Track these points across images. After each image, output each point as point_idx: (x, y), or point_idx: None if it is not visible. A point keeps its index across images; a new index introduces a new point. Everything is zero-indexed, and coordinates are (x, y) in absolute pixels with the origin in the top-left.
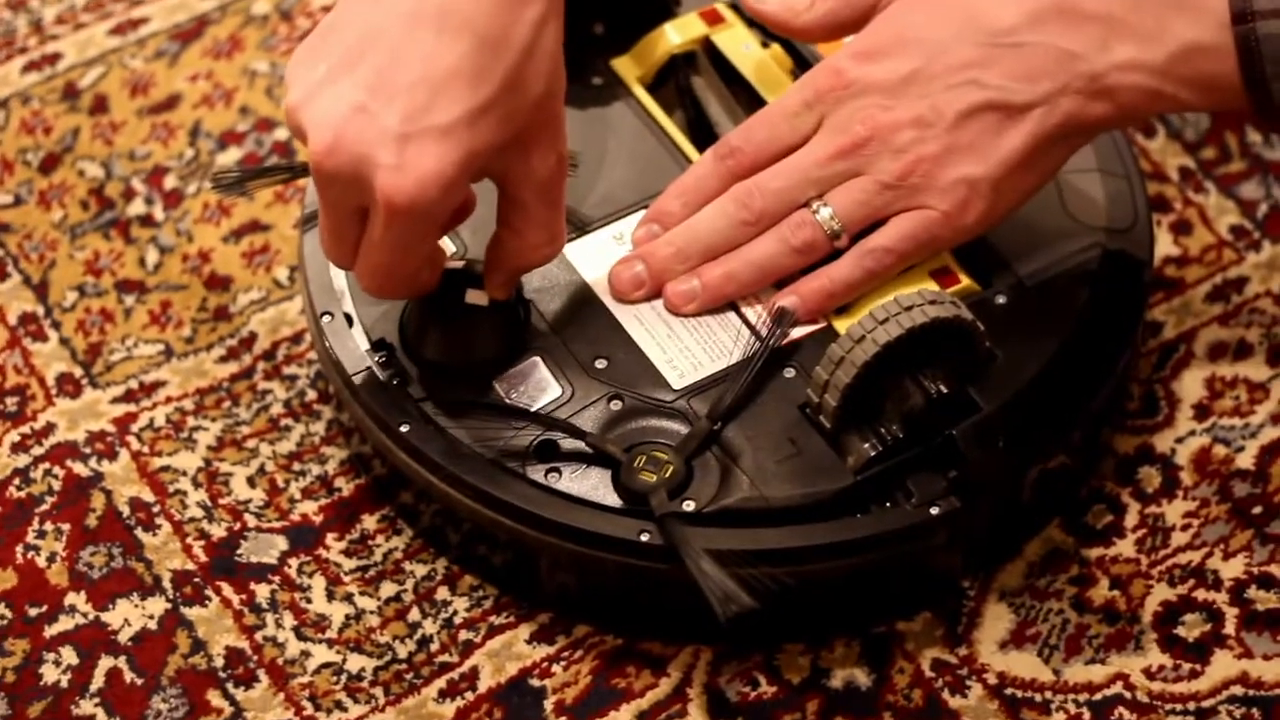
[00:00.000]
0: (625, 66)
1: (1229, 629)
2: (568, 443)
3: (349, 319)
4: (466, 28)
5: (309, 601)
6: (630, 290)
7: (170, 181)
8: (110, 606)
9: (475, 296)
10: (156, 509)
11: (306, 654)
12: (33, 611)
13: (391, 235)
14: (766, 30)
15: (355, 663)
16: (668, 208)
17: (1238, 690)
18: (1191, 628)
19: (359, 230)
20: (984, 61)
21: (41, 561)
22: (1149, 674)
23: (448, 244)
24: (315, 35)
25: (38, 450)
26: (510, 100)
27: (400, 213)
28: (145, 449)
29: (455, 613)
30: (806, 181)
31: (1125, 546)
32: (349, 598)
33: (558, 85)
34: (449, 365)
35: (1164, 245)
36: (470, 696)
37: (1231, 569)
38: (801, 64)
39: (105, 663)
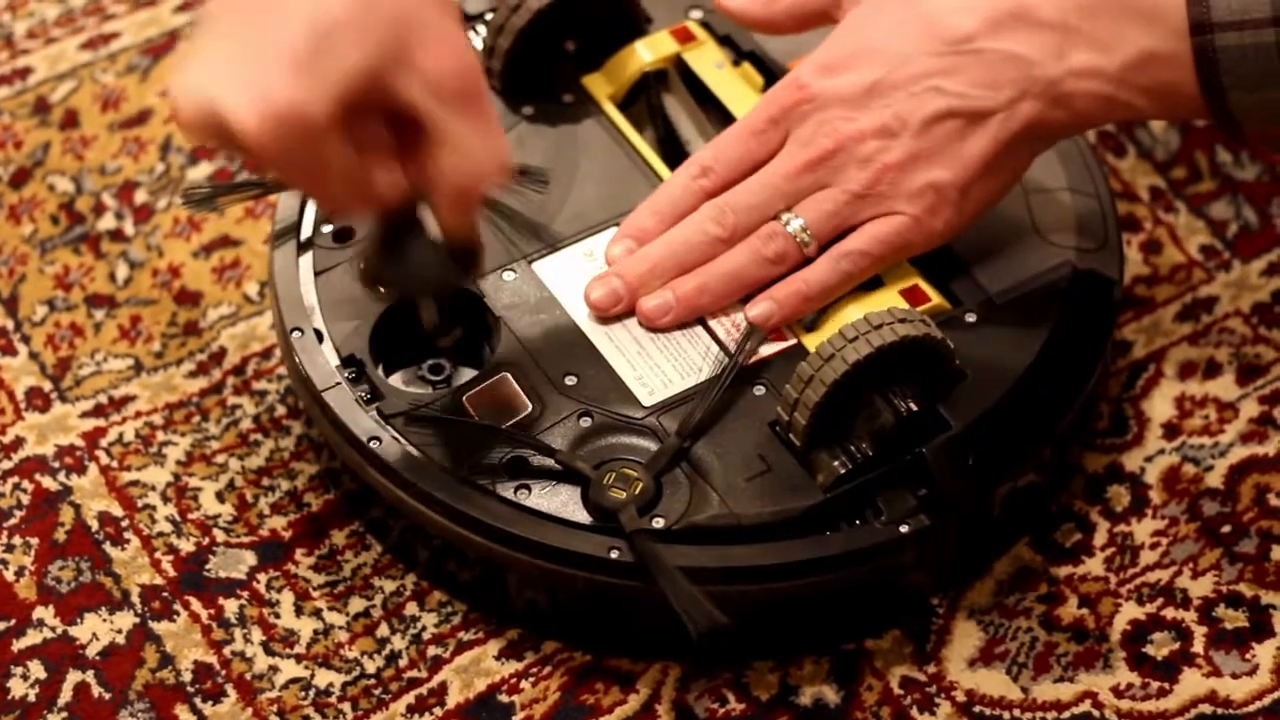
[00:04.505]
0: (596, 84)
1: (1197, 647)
2: (537, 459)
3: (319, 335)
4: None
5: (277, 617)
6: (607, 306)
7: (141, 196)
8: (78, 621)
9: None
10: (125, 523)
11: (275, 669)
12: (0, 625)
13: (277, 165)
14: (737, 48)
15: (323, 678)
16: (642, 224)
17: (1206, 709)
18: (1160, 646)
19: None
20: (945, 70)
21: (9, 575)
22: (1117, 692)
23: None
24: None
25: (6, 464)
26: (364, 17)
27: (259, 147)
28: (114, 463)
29: (424, 628)
30: (777, 195)
31: (1094, 565)
32: (317, 613)
33: None
34: (410, 294)
35: (1134, 264)
36: (439, 712)
37: (1200, 587)
38: (772, 81)
39: (73, 677)
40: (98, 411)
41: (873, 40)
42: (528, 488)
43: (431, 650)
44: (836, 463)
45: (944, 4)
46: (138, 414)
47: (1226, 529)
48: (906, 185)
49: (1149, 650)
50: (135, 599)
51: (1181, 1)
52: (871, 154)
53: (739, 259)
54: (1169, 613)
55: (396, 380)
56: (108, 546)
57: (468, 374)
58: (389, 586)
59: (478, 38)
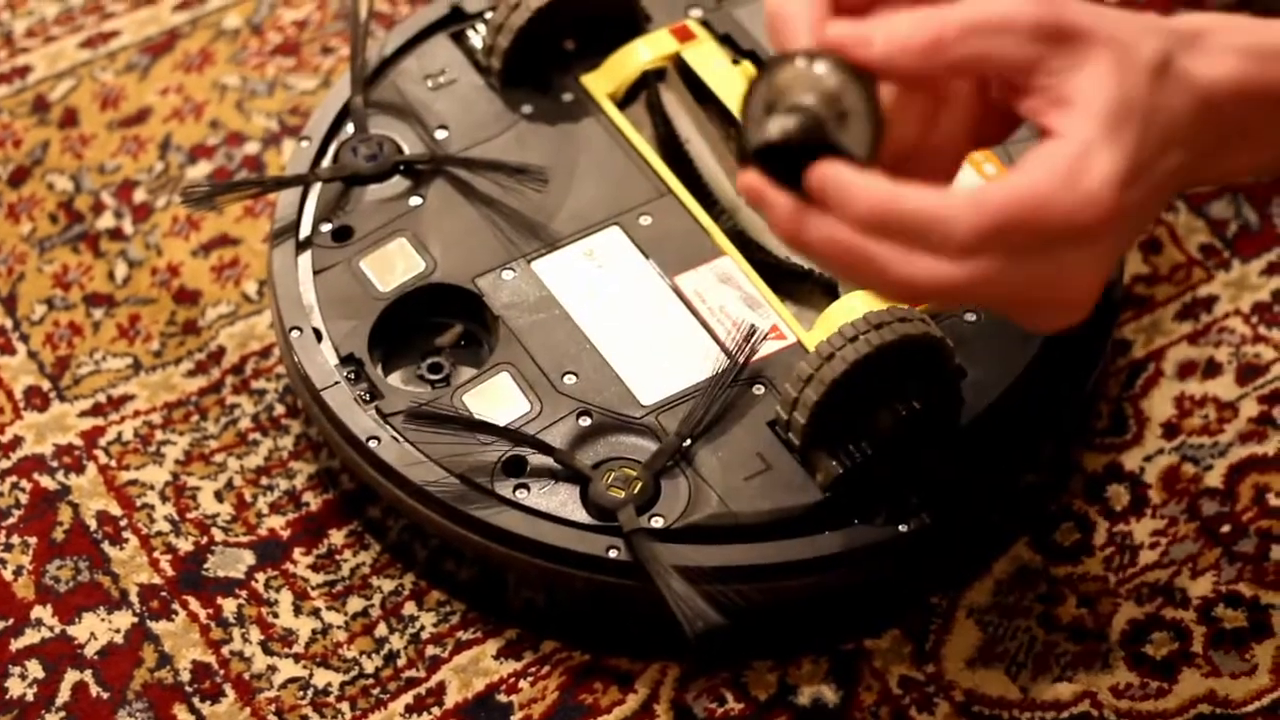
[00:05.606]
0: (596, 83)
1: (1196, 647)
2: (536, 458)
3: (318, 334)
4: None
5: (276, 616)
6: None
7: (140, 195)
8: (76, 620)
9: None
10: (124, 523)
11: (273, 669)
12: None
13: None
14: (737, 47)
15: (322, 677)
16: None
17: (1205, 709)
18: (1159, 646)
19: None
20: None
21: (8, 575)
22: (1116, 692)
23: (418, 260)
24: None
25: (4, 463)
26: None
27: None
28: (113, 463)
29: (422, 628)
30: None
31: (1093, 564)
32: (316, 612)
33: None
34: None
35: (1133, 263)
36: (437, 712)
37: (1199, 587)
38: None
39: (71, 676)
40: (96, 411)
41: None
42: (526, 487)
43: (430, 650)
44: (835, 462)
45: None
46: (136, 413)
47: (1226, 529)
48: None
49: (1148, 650)
50: (134, 598)
51: None
52: None
53: None
54: (1168, 612)
55: (395, 379)
56: (106, 546)
57: (466, 373)
58: (387, 586)
59: (477, 36)
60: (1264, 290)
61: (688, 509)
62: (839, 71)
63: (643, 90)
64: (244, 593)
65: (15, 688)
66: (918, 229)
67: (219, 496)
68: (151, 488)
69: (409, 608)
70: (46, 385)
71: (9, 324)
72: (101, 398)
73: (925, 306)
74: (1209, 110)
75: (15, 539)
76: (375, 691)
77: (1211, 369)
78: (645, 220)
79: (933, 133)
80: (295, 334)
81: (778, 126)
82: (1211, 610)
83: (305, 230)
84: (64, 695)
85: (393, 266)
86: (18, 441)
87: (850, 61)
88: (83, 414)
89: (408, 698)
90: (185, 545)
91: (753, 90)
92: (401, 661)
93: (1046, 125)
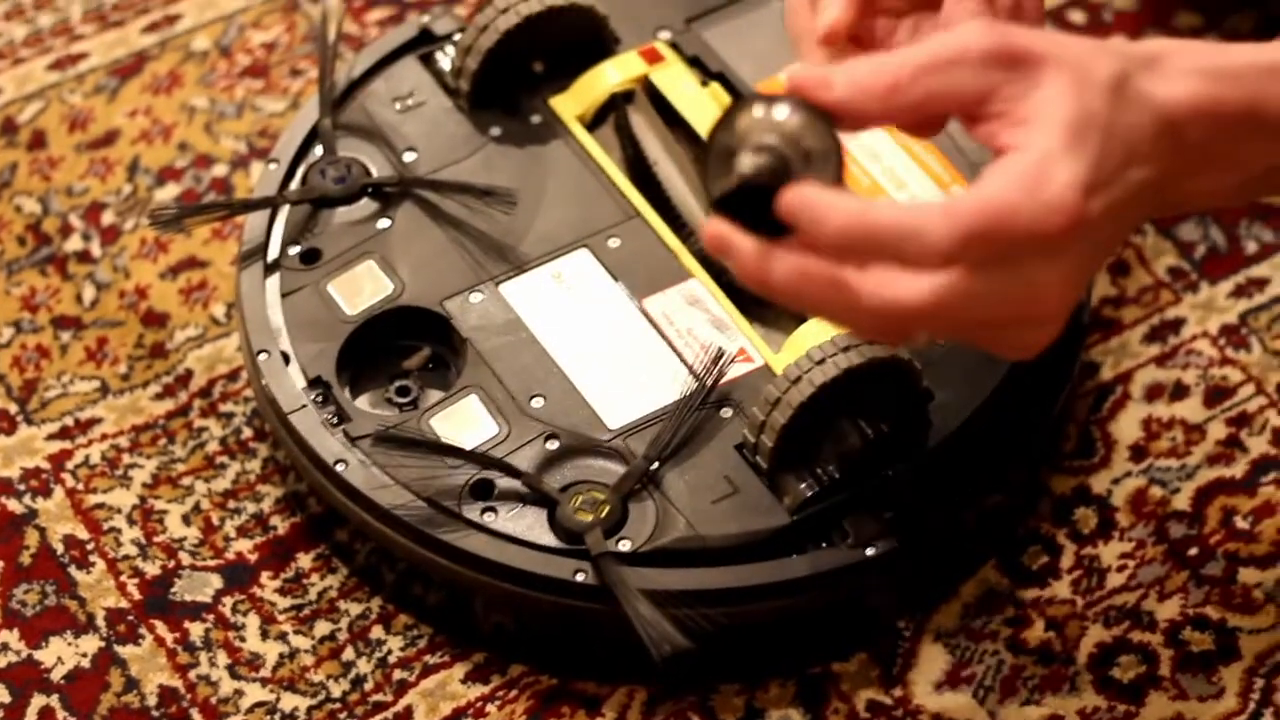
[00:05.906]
0: (564, 105)
1: (1164, 670)
2: (504, 482)
3: (285, 357)
4: None
5: (243, 640)
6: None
7: (108, 217)
8: (43, 644)
9: None
10: (91, 546)
11: (240, 693)
12: None
13: None
14: (706, 69)
15: (289, 702)
16: None
17: None
18: (1126, 669)
19: None
20: None
21: None
22: (1084, 715)
23: (386, 282)
24: None
25: None
26: None
27: None
28: (80, 486)
29: (390, 652)
30: None
31: (1061, 588)
32: (283, 636)
33: None
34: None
35: (1101, 286)
36: None
37: (1167, 610)
38: None
39: (38, 701)
40: (64, 434)
41: None
42: (494, 510)
43: (397, 674)
44: (803, 485)
45: None
46: (104, 436)
47: (1193, 551)
48: None
49: (1115, 673)
50: (100, 622)
51: None
52: None
53: None
54: (1135, 636)
55: (363, 402)
56: (73, 570)
57: (434, 396)
58: (355, 610)
59: (445, 58)
60: (1231, 313)
61: (655, 532)
62: (801, 113)
63: (611, 112)
64: (211, 617)
65: None
66: (893, 240)
67: (186, 520)
68: (119, 511)
69: (376, 631)
70: (14, 408)
71: None
72: (69, 421)
73: None
74: (1171, 129)
75: None
76: (342, 716)
77: (1179, 391)
78: (614, 242)
79: None
80: (263, 357)
81: (744, 169)
82: (1179, 633)
83: (273, 253)
84: None
85: (360, 289)
86: None
87: (811, 103)
88: (50, 437)
89: None
90: (152, 569)
91: (715, 136)
92: (369, 685)
93: (1006, 145)
